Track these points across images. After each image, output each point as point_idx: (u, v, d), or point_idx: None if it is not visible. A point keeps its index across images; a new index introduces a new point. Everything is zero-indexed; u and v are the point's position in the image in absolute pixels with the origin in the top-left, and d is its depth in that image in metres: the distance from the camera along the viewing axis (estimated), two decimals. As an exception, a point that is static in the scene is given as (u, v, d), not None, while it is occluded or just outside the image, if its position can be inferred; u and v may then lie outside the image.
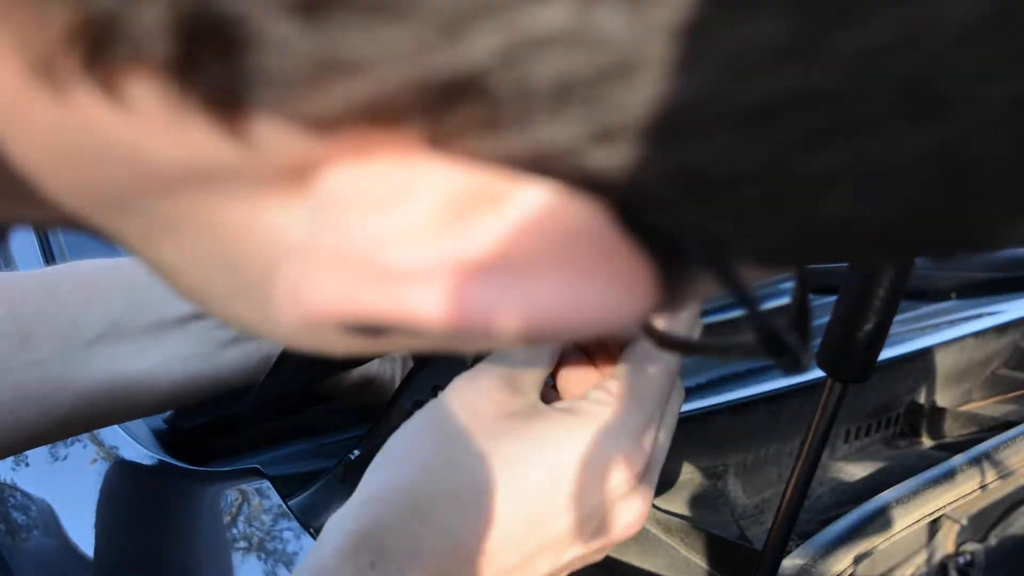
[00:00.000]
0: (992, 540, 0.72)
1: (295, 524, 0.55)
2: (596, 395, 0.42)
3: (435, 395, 0.50)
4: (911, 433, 0.87)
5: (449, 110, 0.13)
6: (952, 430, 0.86)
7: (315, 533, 0.55)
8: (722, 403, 0.73)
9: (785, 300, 0.94)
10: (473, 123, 0.14)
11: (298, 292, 0.16)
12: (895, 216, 0.15)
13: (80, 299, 0.52)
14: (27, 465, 0.66)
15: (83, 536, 0.61)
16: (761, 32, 0.12)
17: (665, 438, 0.43)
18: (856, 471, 0.79)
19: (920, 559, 0.68)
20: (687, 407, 0.72)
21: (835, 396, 0.45)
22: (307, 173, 0.15)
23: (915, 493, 0.62)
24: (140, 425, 0.67)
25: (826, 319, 0.44)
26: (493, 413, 0.41)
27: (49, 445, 0.66)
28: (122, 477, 0.62)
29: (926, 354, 0.86)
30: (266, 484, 0.57)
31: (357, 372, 0.64)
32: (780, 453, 0.78)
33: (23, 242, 0.78)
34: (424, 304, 0.15)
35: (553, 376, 0.46)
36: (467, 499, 0.39)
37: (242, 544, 0.56)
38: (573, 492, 0.40)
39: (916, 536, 0.66)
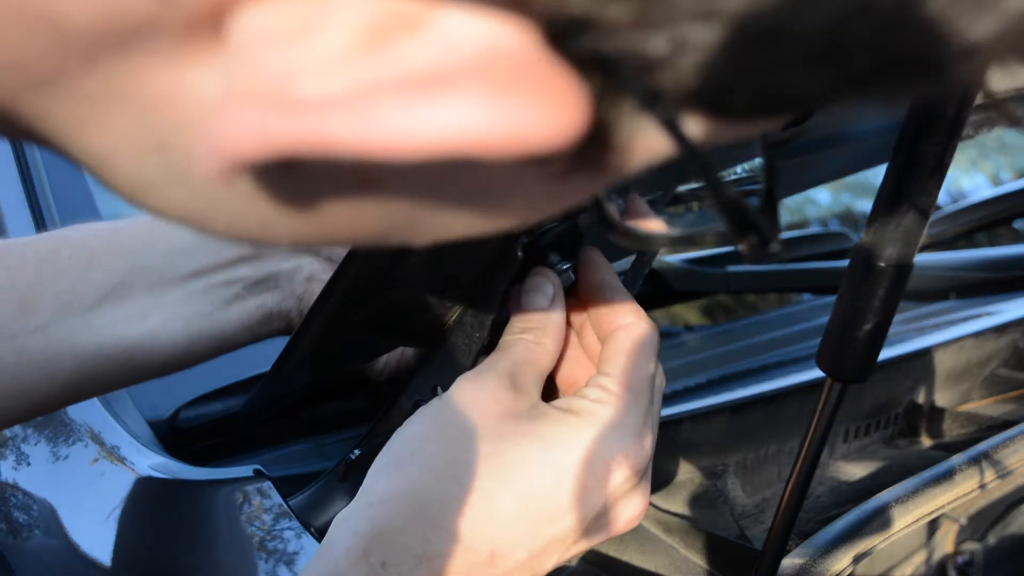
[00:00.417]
0: (991, 540, 0.73)
1: (296, 524, 0.55)
2: (595, 393, 0.43)
3: (435, 394, 0.50)
4: (910, 433, 0.87)
5: None
6: (951, 430, 0.86)
7: (316, 533, 0.55)
8: (722, 403, 0.73)
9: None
10: None
11: (214, 139, 0.16)
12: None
13: (79, 264, 0.52)
14: (28, 464, 0.66)
15: (84, 536, 0.62)
16: None
17: (656, 428, 0.44)
18: (855, 471, 0.79)
19: (919, 559, 0.68)
20: (687, 407, 0.72)
21: (835, 396, 0.46)
22: (220, 20, 0.15)
23: (914, 493, 0.62)
24: (141, 425, 0.67)
25: (826, 319, 0.44)
26: (497, 413, 0.42)
27: (50, 444, 0.66)
28: (123, 477, 0.62)
29: (925, 354, 0.86)
30: (267, 484, 0.57)
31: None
32: (780, 453, 0.78)
33: (14, 209, 0.78)
34: (339, 128, 0.15)
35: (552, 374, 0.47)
36: (475, 501, 0.40)
37: (243, 544, 0.56)
38: (577, 492, 0.41)
39: (915, 536, 0.66)
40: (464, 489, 0.40)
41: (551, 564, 0.42)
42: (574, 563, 0.67)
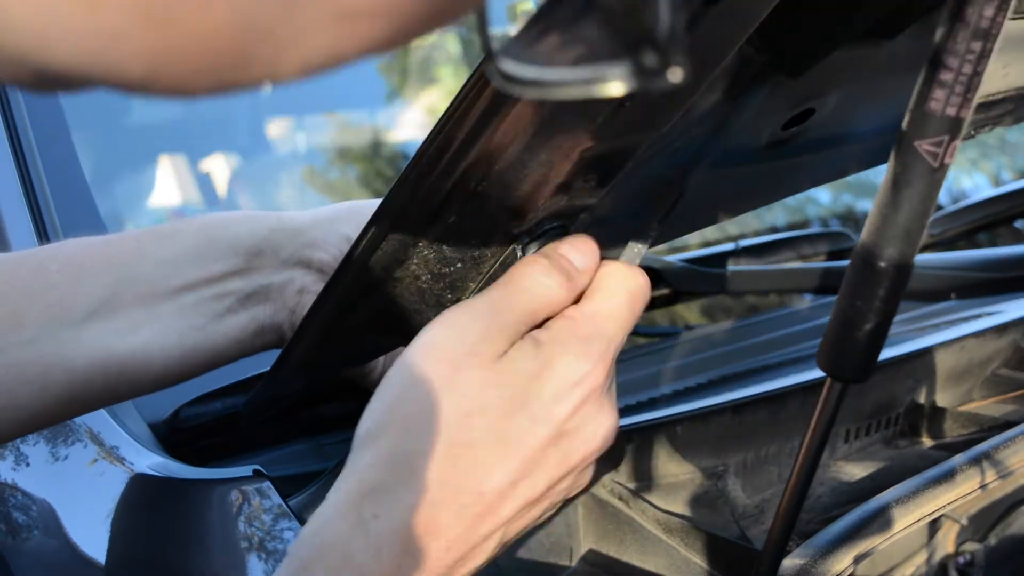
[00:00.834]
0: (992, 540, 0.73)
1: (295, 524, 0.55)
2: (559, 324, 0.45)
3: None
4: (911, 433, 0.87)
5: None
6: (952, 430, 0.86)
7: (315, 533, 0.55)
8: (722, 403, 0.73)
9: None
10: None
11: None
12: None
13: (68, 277, 0.52)
14: (28, 465, 0.66)
15: (83, 536, 0.62)
16: None
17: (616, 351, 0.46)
18: (856, 471, 0.79)
19: (920, 559, 0.68)
20: (687, 407, 0.72)
21: (835, 396, 0.45)
22: None
23: (915, 493, 0.62)
24: (140, 425, 0.67)
25: (826, 319, 0.44)
26: (464, 354, 0.43)
27: (49, 445, 0.66)
28: (122, 477, 0.62)
29: (926, 354, 0.86)
30: (266, 484, 0.57)
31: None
32: (780, 453, 0.78)
33: (14, 213, 0.78)
34: None
35: None
36: (457, 450, 0.42)
37: (243, 544, 0.56)
38: (540, 411, 0.43)
39: (916, 536, 0.66)
40: (435, 443, 0.42)
41: (541, 484, 0.43)
42: (575, 563, 0.67)
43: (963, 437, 0.84)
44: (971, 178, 1.64)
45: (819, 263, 1.18)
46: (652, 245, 0.55)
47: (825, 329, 0.44)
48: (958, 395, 0.91)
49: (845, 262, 0.44)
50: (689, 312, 1.15)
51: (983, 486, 0.65)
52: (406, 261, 0.46)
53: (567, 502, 0.49)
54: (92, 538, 0.61)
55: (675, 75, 0.18)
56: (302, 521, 0.55)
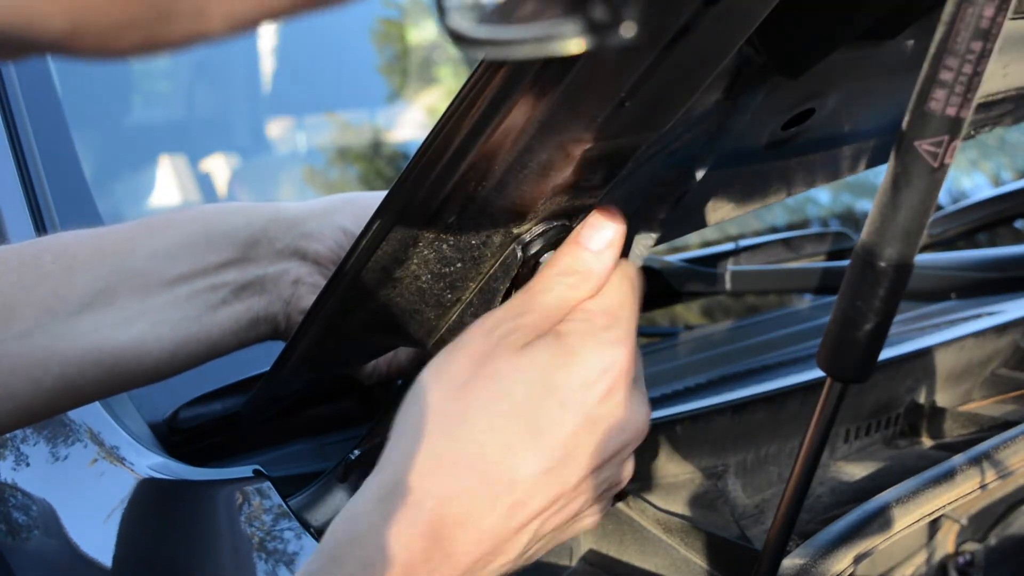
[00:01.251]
0: (992, 540, 0.73)
1: (295, 524, 0.55)
2: (577, 317, 0.45)
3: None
4: (911, 433, 0.87)
5: None
6: (952, 430, 0.86)
7: (315, 533, 0.55)
8: (722, 403, 0.73)
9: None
10: None
11: None
12: None
13: (61, 269, 0.52)
14: (28, 465, 0.66)
15: (83, 536, 0.62)
16: None
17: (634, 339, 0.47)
18: (856, 471, 0.79)
19: (920, 559, 0.68)
20: (687, 407, 0.72)
21: (835, 396, 0.45)
22: None
23: (915, 493, 0.62)
24: (141, 425, 0.67)
25: (826, 319, 0.44)
26: (491, 348, 0.43)
27: (50, 445, 0.66)
28: (122, 477, 0.62)
29: (926, 354, 0.86)
30: (267, 484, 0.57)
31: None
32: (780, 453, 0.78)
33: (14, 209, 0.78)
34: None
35: None
36: (485, 441, 0.42)
37: (243, 544, 0.56)
38: (570, 396, 0.43)
39: (916, 536, 0.66)
40: (477, 430, 0.42)
41: (575, 476, 0.43)
42: (575, 563, 0.67)
43: (963, 437, 0.84)
44: (971, 178, 1.64)
45: (819, 263, 1.18)
46: (654, 244, 0.55)
47: (825, 329, 0.44)
48: (958, 395, 0.91)
49: (845, 262, 0.44)
50: (689, 312, 1.15)
51: (983, 486, 0.66)
52: (406, 261, 0.46)
53: (613, 500, 0.49)
54: (92, 538, 0.61)
55: (628, 30, 0.18)
56: (302, 521, 0.55)
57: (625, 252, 0.53)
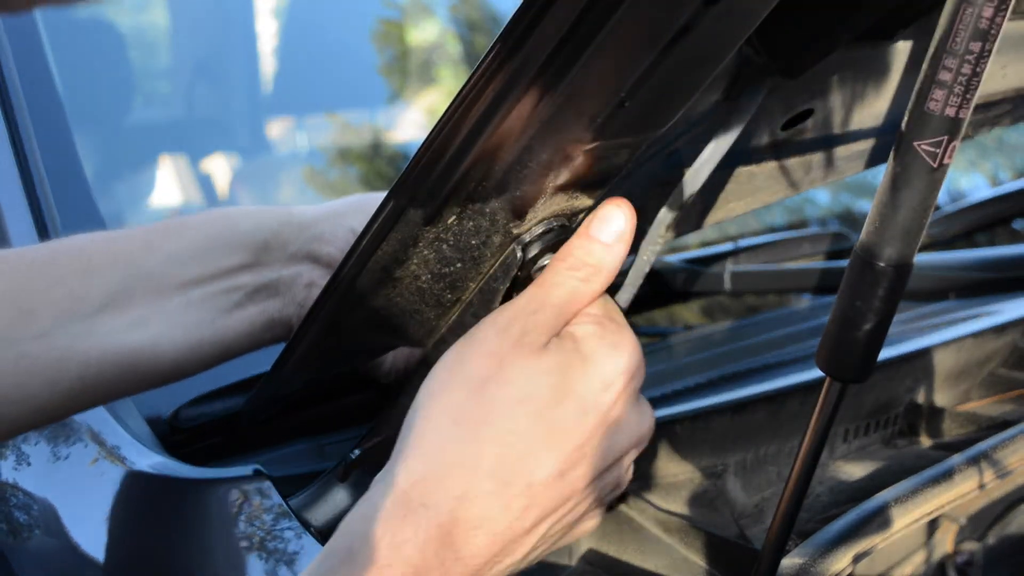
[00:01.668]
0: (990, 539, 0.73)
1: (296, 523, 0.55)
2: (587, 323, 0.45)
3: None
4: (910, 433, 0.87)
5: None
6: (950, 430, 0.86)
7: (316, 533, 0.55)
8: (722, 403, 0.73)
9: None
10: None
11: None
12: None
13: (77, 270, 0.53)
14: (29, 464, 0.67)
15: (84, 535, 0.62)
16: None
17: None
18: (855, 471, 0.79)
19: (919, 558, 0.68)
20: (687, 407, 0.72)
21: (834, 396, 0.46)
22: None
23: (914, 493, 0.62)
24: (141, 425, 0.67)
25: (826, 319, 0.44)
26: (509, 347, 0.43)
27: (50, 444, 0.66)
28: (123, 477, 0.62)
29: (925, 354, 0.86)
30: (267, 484, 0.57)
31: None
32: (779, 453, 0.78)
33: (15, 211, 0.78)
34: None
35: None
36: (505, 442, 0.42)
37: (243, 544, 0.56)
38: (590, 398, 0.43)
39: (915, 535, 0.66)
40: (496, 431, 0.42)
41: (586, 478, 0.44)
42: (575, 562, 0.67)
43: (961, 437, 0.84)
44: (970, 178, 1.64)
45: (819, 263, 1.18)
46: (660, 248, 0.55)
47: (824, 329, 0.44)
48: (957, 395, 0.91)
49: (844, 262, 0.44)
50: (689, 312, 1.15)
51: (981, 486, 0.66)
52: (406, 261, 0.46)
53: (614, 503, 0.49)
54: (93, 537, 0.61)
55: None
56: (302, 521, 0.55)
57: (632, 251, 0.53)
